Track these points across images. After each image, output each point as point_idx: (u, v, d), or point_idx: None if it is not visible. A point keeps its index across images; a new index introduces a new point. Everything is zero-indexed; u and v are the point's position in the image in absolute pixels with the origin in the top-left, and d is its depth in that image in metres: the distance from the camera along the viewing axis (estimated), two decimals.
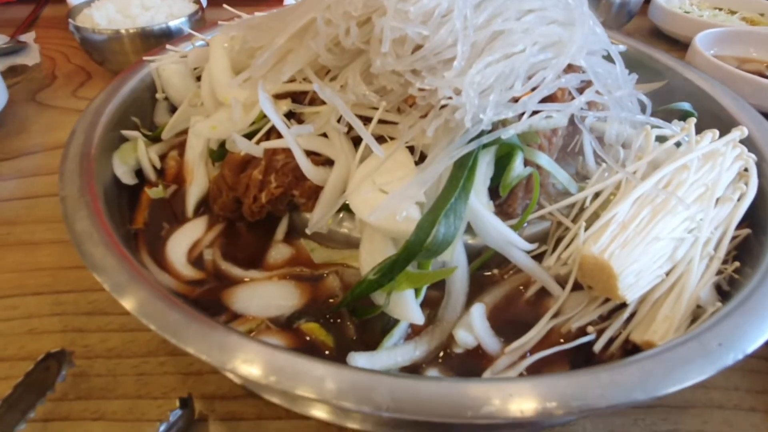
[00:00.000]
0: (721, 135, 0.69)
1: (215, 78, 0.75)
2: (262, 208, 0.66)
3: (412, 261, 0.54)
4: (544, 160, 0.62)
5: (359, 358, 0.53)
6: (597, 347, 0.56)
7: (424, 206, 0.56)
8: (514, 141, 0.59)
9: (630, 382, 0.44)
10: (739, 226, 0.64)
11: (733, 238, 0.63)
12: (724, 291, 0.61)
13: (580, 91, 0.60)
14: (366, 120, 0.60)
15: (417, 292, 0.57)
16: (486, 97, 0.55)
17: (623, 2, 1.50)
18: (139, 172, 0.77)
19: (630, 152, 0.68)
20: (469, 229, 0.58)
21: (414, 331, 0.58)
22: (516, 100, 0.57)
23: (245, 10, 0.98)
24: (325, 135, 0.66)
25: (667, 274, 0.58)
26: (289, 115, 0.68)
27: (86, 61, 1.35)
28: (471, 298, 0.60)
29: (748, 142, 0.70)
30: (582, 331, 0.58)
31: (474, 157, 0.56)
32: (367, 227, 0.59)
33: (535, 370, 0.55)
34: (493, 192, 0.61)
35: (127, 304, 0.49)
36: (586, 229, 0.58)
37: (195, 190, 0.73)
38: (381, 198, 0.56)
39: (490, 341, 0.57)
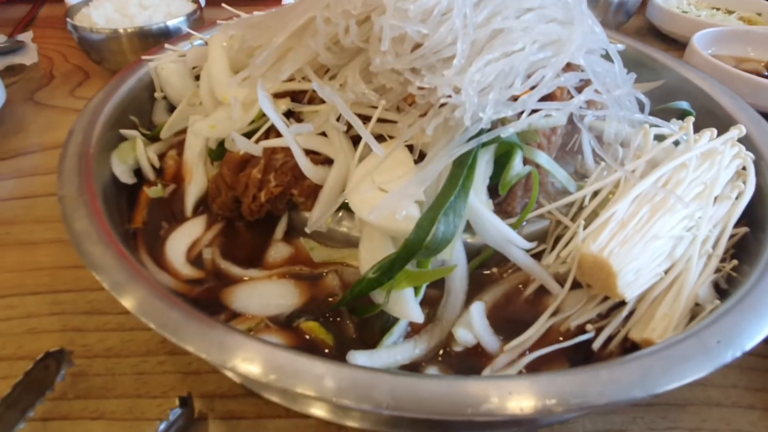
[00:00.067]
0: (719, 134, 0.69)
1: (214, 77, 0.74)
2: (261, 207, 0.66)
3: (412, 259, 0.53)
4: (543, 158, 0.62)
5: (359, 357, 0.53)
6: (596, 345, 0.57)
7: (423, 205, 0.56)
8: (514, 139, 0.59)
9: (629, 379, 0.44)
10: (737, 225, 0.64)
11: (732, 236, 0.63)
12: (723, 289, 0.61)
13: (579, 89, 0.60)
14: (365, 119, 0.60)
15: (416, 290, 0.57)
16: (485, 96, 0.55)
17: (621, 1, 1.50)
18: (137, 172, 0.77)
19: (629, 151, 0.68)
20: (469, 228, 0.58)
21: (413, 330, 0.58)
22: (515, 98, 0.57)
23: (244, 9, 0.98)
24: (324, 134, 0.66)
25: (666, 272, 0.58)
26: (288, 114, 0.68)
27: (84, 60, 1.35)
28: (470, 296, 0.60)
29: (746, 141, 0.71)
30: (581, 329, 0.58)
31: (473, 155, 0.56)
32: (367, 226, 0.59)
33: (534, 368, 0.55)
34: (493, 190, 0.61)
35: (127, 302, 0.49)
36: (585, 227, 0.58)
37: (194, 189, 0.73)
38: (380, 197, 0.56)
39: (489, 339, 0.57)
